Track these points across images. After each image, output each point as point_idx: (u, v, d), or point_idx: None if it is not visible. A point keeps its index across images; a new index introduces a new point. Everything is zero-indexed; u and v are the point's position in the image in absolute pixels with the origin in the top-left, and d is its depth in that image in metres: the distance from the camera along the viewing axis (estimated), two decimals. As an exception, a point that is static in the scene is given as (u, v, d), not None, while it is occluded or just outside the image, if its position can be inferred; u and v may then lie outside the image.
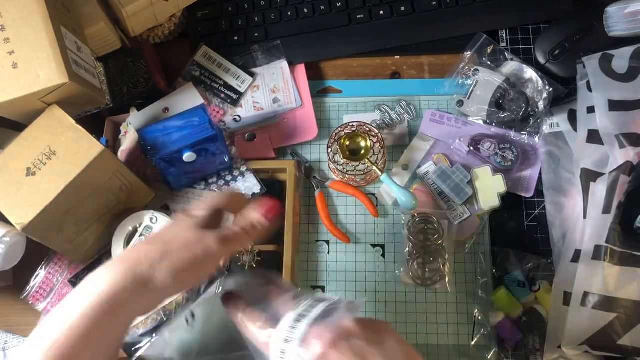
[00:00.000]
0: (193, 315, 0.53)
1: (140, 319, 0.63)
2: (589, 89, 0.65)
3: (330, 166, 0.71)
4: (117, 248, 0.62)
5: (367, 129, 0.69)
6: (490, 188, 0.66)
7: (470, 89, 0.70)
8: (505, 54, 0.72)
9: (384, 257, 0.68)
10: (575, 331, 0.57)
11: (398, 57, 0.76)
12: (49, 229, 0.57)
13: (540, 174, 0.69)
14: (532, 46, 0.74)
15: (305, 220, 0.70)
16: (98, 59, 0.69)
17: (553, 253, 0.65)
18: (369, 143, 0.68)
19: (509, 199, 0.67)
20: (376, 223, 0.70)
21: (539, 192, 0.69)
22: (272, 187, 0.69)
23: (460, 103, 0.71)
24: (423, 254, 0.66)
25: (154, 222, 0.63)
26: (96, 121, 0.68)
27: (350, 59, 0.76)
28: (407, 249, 0.67)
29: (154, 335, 0.63)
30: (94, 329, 0.37)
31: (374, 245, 0.69)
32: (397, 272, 0.67)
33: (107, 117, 0.70)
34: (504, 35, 0.74)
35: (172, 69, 0.75)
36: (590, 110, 0.65)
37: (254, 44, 0.74)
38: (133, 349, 0.62)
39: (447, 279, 0.65)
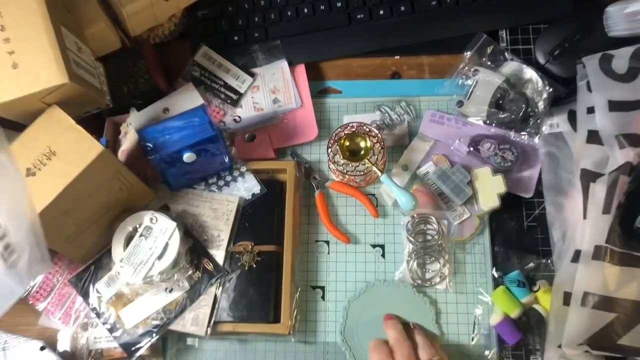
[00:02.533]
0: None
1: (140, 318, 0.63)
2: (589, 89, 0.64)
3: (330, 166, 0.71)
4: (117, 248, 0.62)
5: (367, 129, 0.69)
6: (490, 188, 0.66)
7: (470, 90, 0.70)
8: (505, 54, 0.72)
9: (384, 257, 0.68)
10: (575, 331, 0.57)
11: (398, 57, 0.76)
12: (48, 229, 0.57)
13: (540, 174, 0.69)
14: (532, 46, 0.74)
15: (305, 221, 0.70)
16: (98, 59, 0.69)
17: (553, 253, 0.65)
18: (368, 143, 0.68)
19: (509, 199, 0.67)
20: (376, 223, 0.70)
21: (539, 193, 0.69)
22: (272, 188, 0.69)
23: (460, 103, 0.71)
24: (423, 255, 0.66)
25: (154, 222, 0.63)
26: (96, 121, 0.68)
27: (350, 59, 0.76)
28: (407, 249, 0.67)
29: (154, 335, 0.63)
30: None
31: (374, 246, 0.69)
32: (396, 272, 0.67)
33: (107, 117, 0.70)
34: (504, 35, 0.74)
35: (172, 69, 0.75)
36: (590, 110, 0.64)
37: (254, 44, 0.74)
38: (133, 349, 0.63)
39: (447, 280, 0.65)
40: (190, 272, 0.65)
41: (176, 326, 0.63)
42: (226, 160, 0.68)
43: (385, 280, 0.67)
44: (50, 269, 0.60)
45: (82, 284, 0.65)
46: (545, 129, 0.69)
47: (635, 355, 0.56)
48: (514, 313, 0.63)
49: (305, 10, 0.75)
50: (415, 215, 0.67)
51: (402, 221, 0.68)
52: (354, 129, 0.69)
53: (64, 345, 0.64)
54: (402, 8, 0.74)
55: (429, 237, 0.67)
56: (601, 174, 0.62)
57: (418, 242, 0.66)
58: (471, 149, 0.69)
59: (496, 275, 0.66)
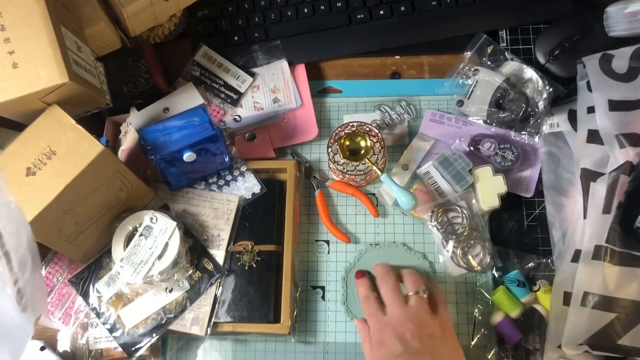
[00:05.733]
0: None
1: (140, 318, 0.63)
2: (589, 89, 0.65)
3: (330, 166, 0.71)
4: (117, 248, 0.62)
5: (367, 128, 0.69)
6: (490, 188, 0.66)
7: (470, 89, 0.71)
8: (505, 54, 0.72)
9: (384, 257, 0.68)
10: (575, 331, 0.57)
11: (398, 57, 0.76)
12: (49, 229, 0.57)
13: (540, 174, 0.69)
14: (532, 46, 0.74)
15: (305, 220, 0.70)
16: (98, 59, 0.69)
17: (553, 253, 0.65)
18: (369, 143, 0.68)
19: (509, 199, 0.67)
20: (376, 223, 0.70)
21: (539, 192, 0.69)
22: (272, 187, 0.69)
23: (460, 103, 0.71)
24: (460, 244, 0.66)
25: (154, 222, 0.63)
26: (96, 121, 0.68)
27: (350, 59, 0.76)
28: (445, 247, 0.66)
29: (154, 335, 0.63)
30: None
31: (374, 245, 0.69)
32: (445, 273, 0.66)
33: (107, 117, 0.70)
34: (504, 35, 0.74)
35: (172, 69, 0.75)
36: (590, 110, 0.65)
37: (254, 44, 0.74)
38: (133, 349, 0.63)
39: (492, 255, 0.65)
40: (190, 272, 0.65)
41: (176, 326, 0.63)
42: (226, 159, 0.68)
43: (377, 243, 0.68)
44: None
45: (82, 284, 0.65)
46: (545, 128, 0.69)
47: (635, 355, 0.56)
48: (514, 313, 0.63)
49: (305, 10, 0.75)
50: (433, 211, 0.67)
51: (424, 230, 0.68)
52: (354, 129, 0.69)
53: (64, 345, 0.64)
54: (402, 8, 0.74)
55: (457, 227, 0.66)
56: (601, 174, 0.62)
57: (449, 234, 0.66)
58: (471, 148, 0.69)
59: (496, 275, 0.66)
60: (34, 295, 0.49)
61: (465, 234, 0.66)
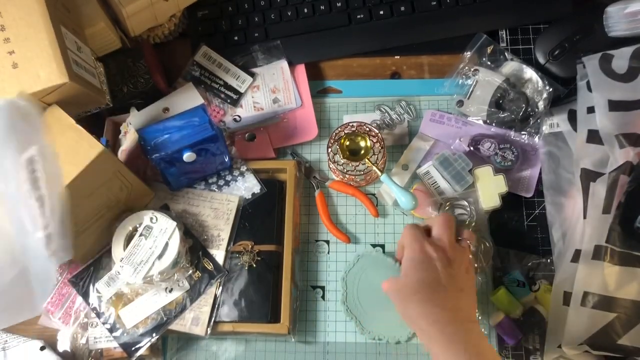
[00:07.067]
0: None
1: (140, 318, 0.63)
2: (589, 89, 0.65)
3: (330, 166, 0.71)
4: (117, 248, 0.62)
5: (367, 129, 0.69)
6: (491, 188, 0.66)
7: (470, 89, 0.71)
8: (505, 54, 0.72)
9: (384, 257, 0.68)
10: (575, 331, 0.57)
11: (398, 57, 0.76)
12: (48, 229, 0.57)
13: (540, 174, 0.69)
14: (532, 46, 0.74)
15: (305, 220, 0.70)
16: (98, 59, 0.69)
17: (553, 253, 0.65)
18: (368, 143, 0.68)
19: (509, 199, 0.67)
20: (376, 223, 0.70)
21: (539, 192, 0.69)
22: (272, 187, 0.69)
23: (460, 103, 0.71)
24: None
25: (154, 222, 0.63)
26: (96, 121, 0.68)
27: (350, 59, 0.76)
28: None
29: (153, 335, 0.63)
30: None
31: (374, 245, 0.69)
32: None
33: (107, 117, 0.70)
34: (504, 35, 0.74)
35: (172, 69, 0.75)
36: (590, 110, 0.65)
37: (254, 44, 0.75)
38: (133, 348, 0.63)
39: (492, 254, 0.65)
40: (190, 271, 0.65)
41: (176, 326, 0.63)
42: (226, 159, 0.68)
43: (375, 249, 0.68)
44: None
45: (82, 283, 0.65)
46: (545, 128, 0.69)
47: (635, 355, 0.56)
48: (514, 313, 0.63)
49: (305, 10, 0.75)
50: (442, 204, 0.66)
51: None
52: (354, 129, 0.69)
53: (64, 345, 0.64)
54: (402, 8, 0.74)
55: (463, 223, 0.66)
56: (601, 174, 0.62)
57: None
58: (471, 148, 0.69)
59: (496, 275, 0.66)
60: (61, 243, 0.50)
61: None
